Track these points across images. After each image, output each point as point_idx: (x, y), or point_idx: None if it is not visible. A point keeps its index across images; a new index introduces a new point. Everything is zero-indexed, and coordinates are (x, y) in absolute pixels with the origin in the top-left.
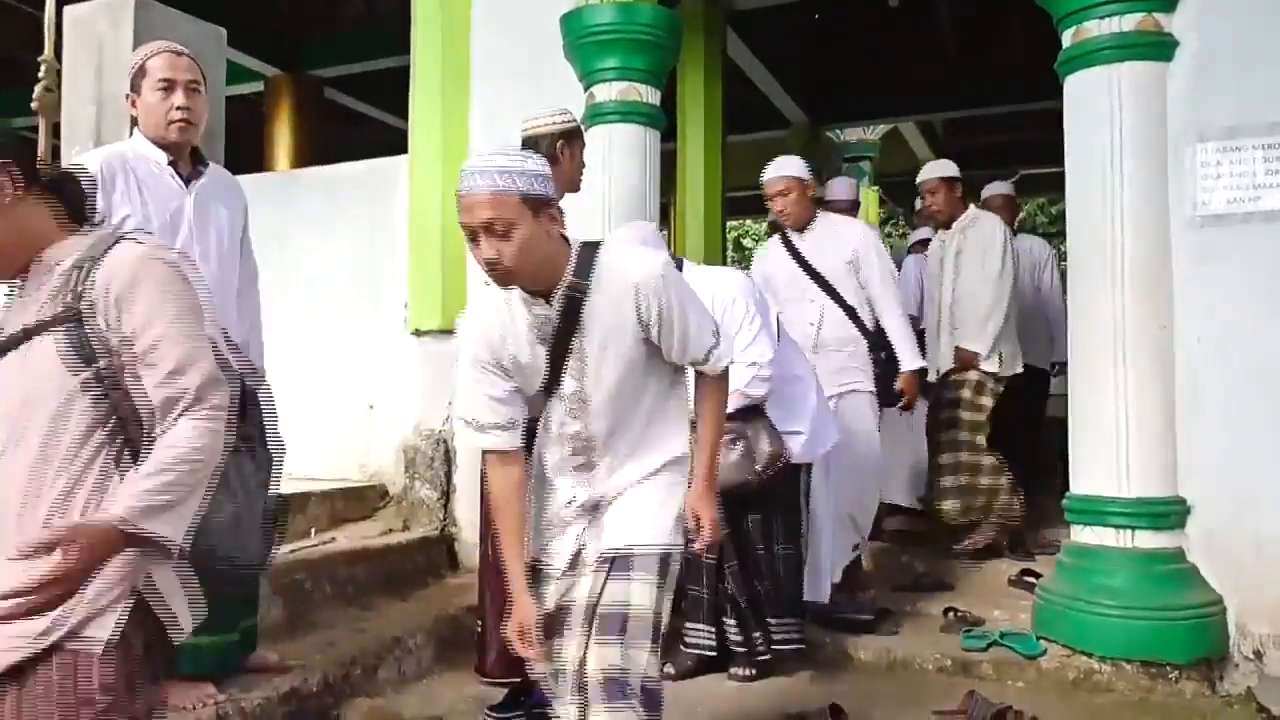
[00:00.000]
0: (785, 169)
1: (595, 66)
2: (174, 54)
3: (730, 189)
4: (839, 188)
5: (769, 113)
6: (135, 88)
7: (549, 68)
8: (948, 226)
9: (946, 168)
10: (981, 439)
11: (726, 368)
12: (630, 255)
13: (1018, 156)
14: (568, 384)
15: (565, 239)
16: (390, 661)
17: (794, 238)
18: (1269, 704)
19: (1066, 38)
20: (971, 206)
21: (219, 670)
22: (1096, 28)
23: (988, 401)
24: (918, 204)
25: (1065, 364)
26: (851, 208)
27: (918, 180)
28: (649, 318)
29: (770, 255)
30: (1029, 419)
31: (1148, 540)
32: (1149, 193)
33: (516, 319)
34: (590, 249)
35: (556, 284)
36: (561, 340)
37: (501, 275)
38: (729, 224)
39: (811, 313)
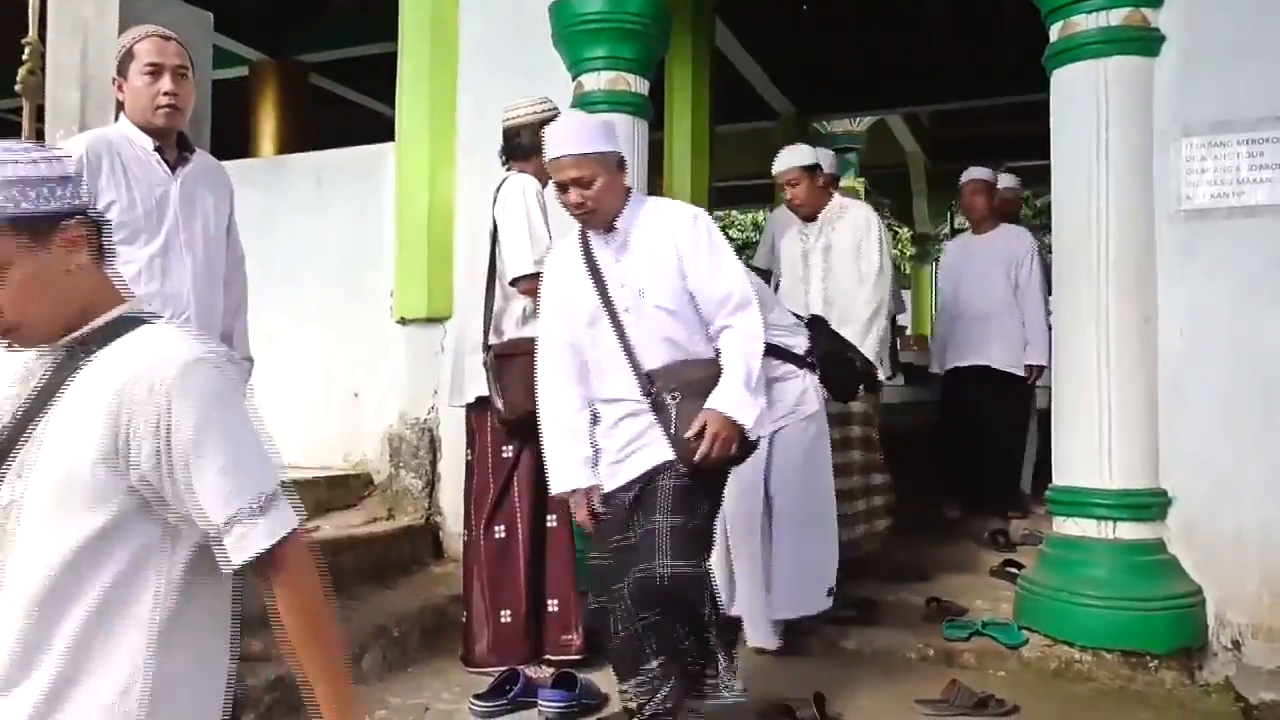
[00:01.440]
0: (583, 142)
1: (583, 55)
2: (162, 38)
3: (718, 179)
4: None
5: (757, 103)
6: (122, 72)
7: (537, 56)
8: (812, 219)
9: (804, 155)
10: (880, 456)
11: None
12: (171, 336)
13: (1004, 149)
14: (4, 490)
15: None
16: (375, 650)
17: (595, 241)
18: (1247, 693)
19: (1054, 31)
20: (837, 194)
21: None
22: (1084, 22)
23: (876, 418)
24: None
25: (1040, 368)
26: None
27: (774, 171)
28: (128, 437)
29: (562, 261)
30: (1010, 428)
31: (1129, 531)
32: (1134, 187)
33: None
34: (144, 321)
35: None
36: (23, 419)
37: (7, 333)
38: (717, 214)
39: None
